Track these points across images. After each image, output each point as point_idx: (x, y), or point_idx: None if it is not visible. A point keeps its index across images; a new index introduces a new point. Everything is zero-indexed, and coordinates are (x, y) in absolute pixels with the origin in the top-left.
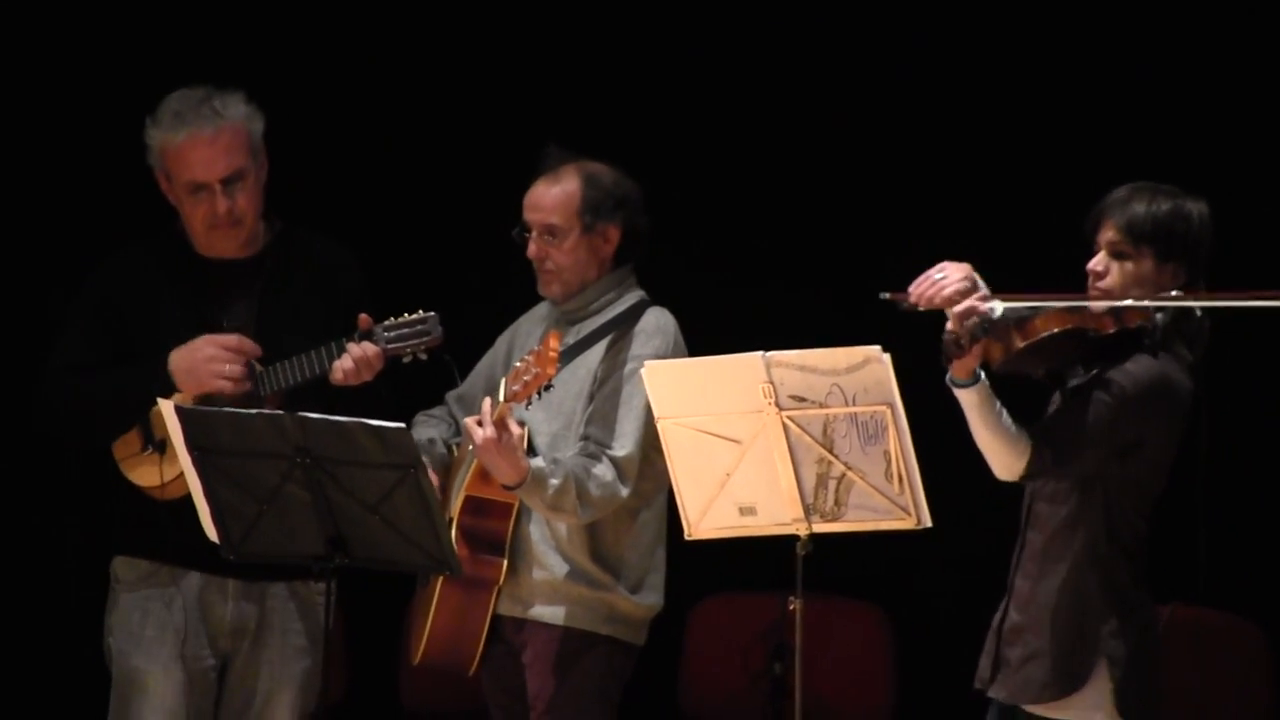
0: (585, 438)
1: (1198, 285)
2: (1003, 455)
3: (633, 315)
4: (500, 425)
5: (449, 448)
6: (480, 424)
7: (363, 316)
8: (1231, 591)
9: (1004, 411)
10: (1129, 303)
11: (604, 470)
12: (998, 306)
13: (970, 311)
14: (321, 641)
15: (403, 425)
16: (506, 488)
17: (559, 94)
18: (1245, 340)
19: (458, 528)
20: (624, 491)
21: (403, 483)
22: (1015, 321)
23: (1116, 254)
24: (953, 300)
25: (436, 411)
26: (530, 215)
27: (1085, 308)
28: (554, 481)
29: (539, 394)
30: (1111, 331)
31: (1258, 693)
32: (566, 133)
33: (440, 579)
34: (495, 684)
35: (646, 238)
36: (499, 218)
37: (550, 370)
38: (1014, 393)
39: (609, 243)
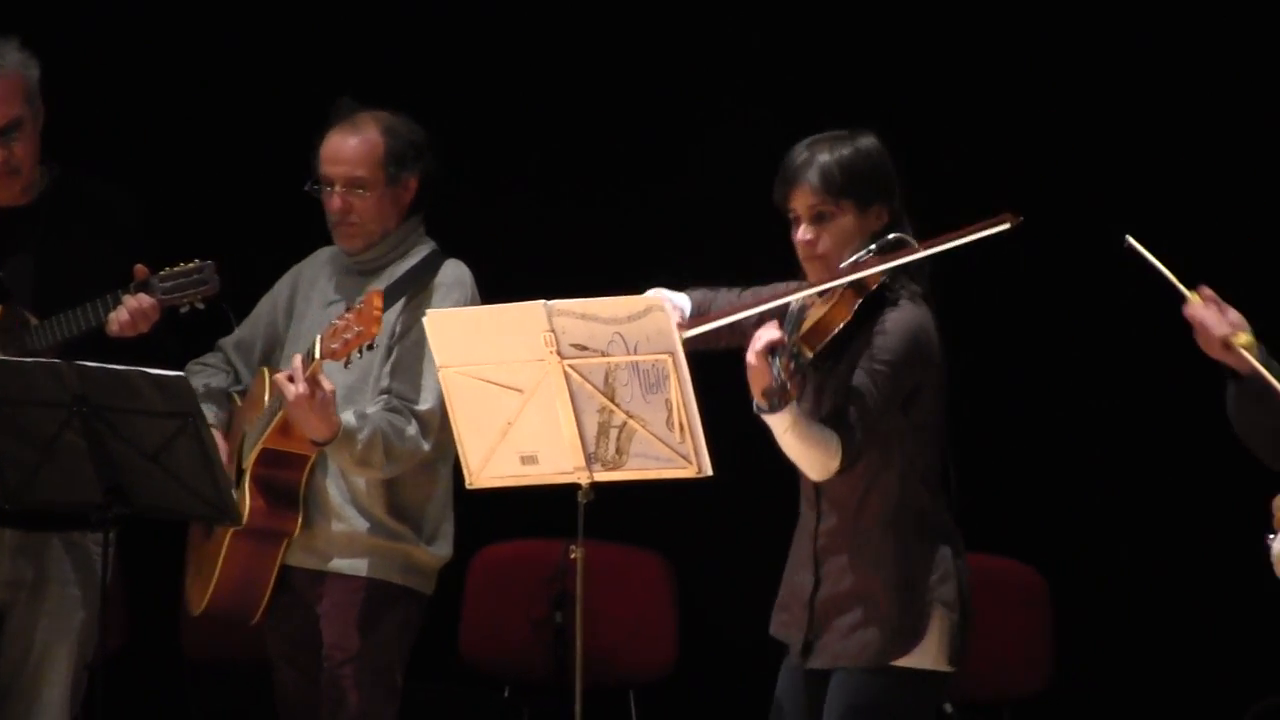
0: (387, 391)
1: (902, 217)
2: (818, 460)
3: (429, 267)
4: (313, 382)
5: (229, 397)
6: (292, 380)
7: (139, 267)
8: (1012, 538)
9: (810, 422)
10: (870, 271)
11: (408, 425)
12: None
13: (770, 349)
14: (99, 592)
15: (182, 374)
16: (317, 443)
17: (334, 41)
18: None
19: (253, 479)
20: (426, 446)
21: (183, 431)
22: (799, 334)
23: (818, 217)
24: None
25: (210, 359)
26: (331, 169)
27: (836, 287)
28: (362, 437)
29: (360, 352)
30: (862, 301)
31: (1037, 638)
32: (337, 80)
33: (230, 530)
34: (281, 634)
35: (436, 186)
36: (274, 164)
37: (374, 329)
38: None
39: (409, 192)
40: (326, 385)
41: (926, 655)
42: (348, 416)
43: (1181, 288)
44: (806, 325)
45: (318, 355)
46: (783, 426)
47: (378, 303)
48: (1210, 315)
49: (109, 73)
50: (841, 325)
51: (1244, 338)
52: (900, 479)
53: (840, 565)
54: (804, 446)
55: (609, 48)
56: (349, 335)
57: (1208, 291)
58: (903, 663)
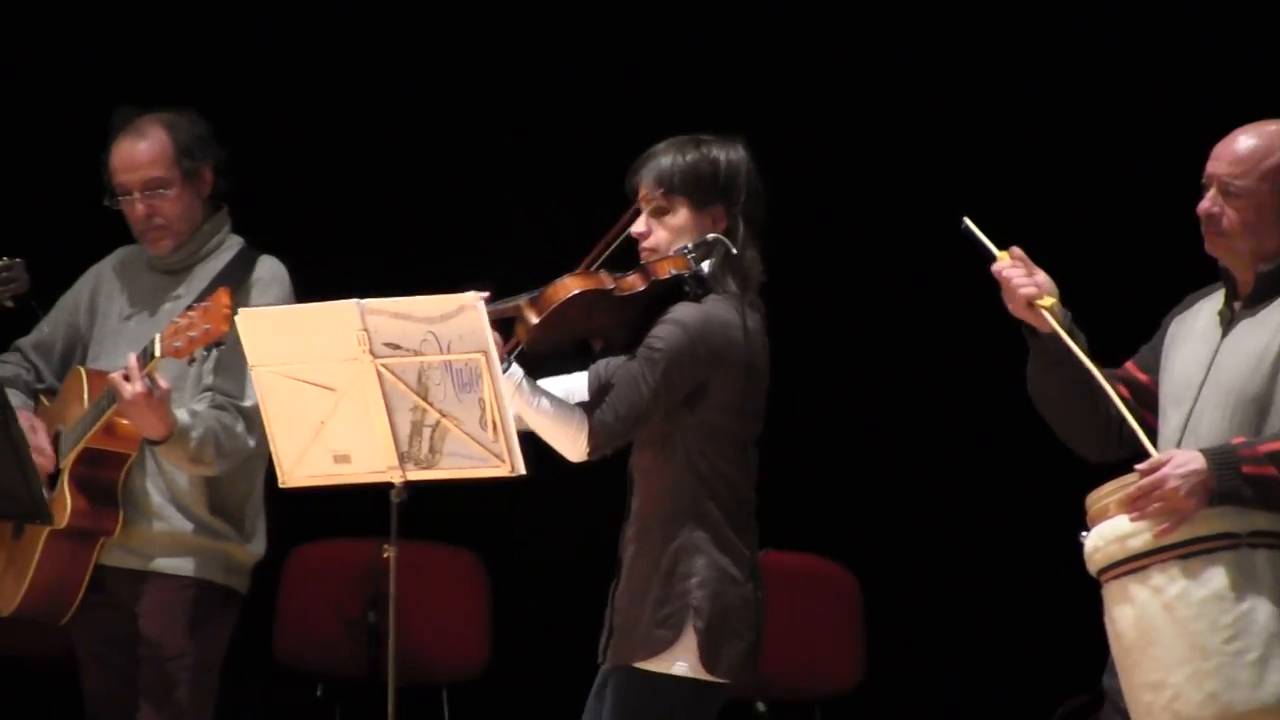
0: (211, 389)
1: (736, 227)
2: (560, 435)
3: (245, 264)
4: (150, 380)
5: (35, 396)
6: (128, 378)
7: None
8: (821, 535)
9: (546, 394)
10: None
11: (235, 422)
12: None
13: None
14: None
15: None
16: (152, 442)
17: (142, 42)
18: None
19: (72, 479)
20: (253, 443)
21: None
22: (529, 299)
23: (655, 211)
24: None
25: (9, 358)
26: (126, 176)
27: (601, 270)
28: (195, 435)
29: (208, 350)
30: (643, 288)
31: (848, 635)
32: (141, 79)
33: (48, 530)
34: (93, 635)
35: (230, 176)
36: (79, 162)
37: (224, 327)
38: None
39: (206, 184)
40: (163, 384)
41: (684, 662)
42: (181, 414)
43: (992, 247)
44: (546, 290)
45: (157, 353)
46: (508, 389)
47: (226, 300)
48: (1017, 274)
49: None
50: (573, 294)
51: (1049, 301)
52: (678, 477)
53: (629, 559)
54: (536, 416)
55: (434, 36)
56: (194, 333)
57: (1018, 251)
58: (660, 667)
